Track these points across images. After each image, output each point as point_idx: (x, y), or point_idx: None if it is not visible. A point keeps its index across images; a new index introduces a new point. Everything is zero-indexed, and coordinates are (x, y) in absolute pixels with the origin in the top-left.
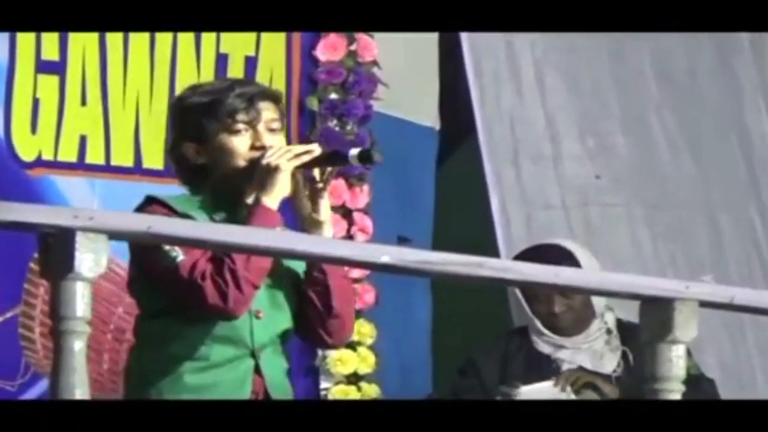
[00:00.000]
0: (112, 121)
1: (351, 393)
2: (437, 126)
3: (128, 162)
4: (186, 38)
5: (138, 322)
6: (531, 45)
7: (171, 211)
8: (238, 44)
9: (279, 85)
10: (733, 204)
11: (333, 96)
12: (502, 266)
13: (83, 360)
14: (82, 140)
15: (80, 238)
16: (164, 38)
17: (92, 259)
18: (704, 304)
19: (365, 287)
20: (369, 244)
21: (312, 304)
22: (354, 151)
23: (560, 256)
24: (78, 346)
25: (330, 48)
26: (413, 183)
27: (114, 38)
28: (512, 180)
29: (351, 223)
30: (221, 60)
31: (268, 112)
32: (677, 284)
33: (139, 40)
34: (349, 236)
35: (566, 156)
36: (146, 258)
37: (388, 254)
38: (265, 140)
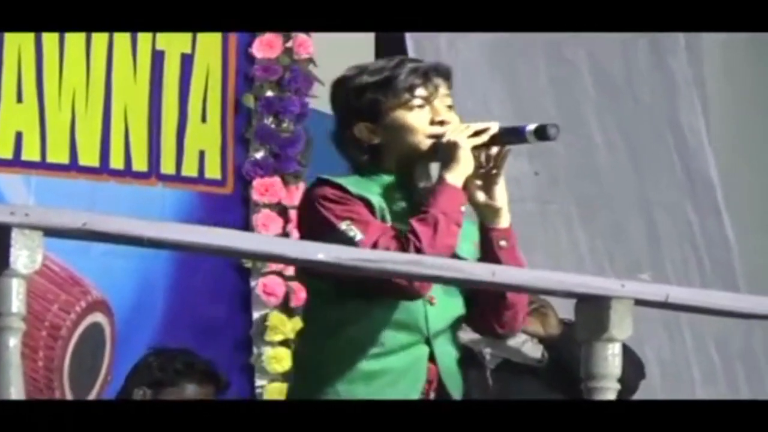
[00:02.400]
0: (48, 118)
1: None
2: None
3: (64, 159)
4: (122, 36)
5: (310, 310)
6: (470, 43)
7: (343, 191)
8: (174, 42)
9: (215, 82)
10: (671, 203)
11: (269, 93)
12: (439, 264)
13: (18, 357)
14: (18, 137)
15: (16, 234)
16: (100, 36)
17: (27, 255)
18: (639, 302)
19: (300, 285)
20: (305, 241)
21: (485, 294)
22: (531, 127)
23: None
24: (12, 342)
25: (266, 45)
26: None
27: (50, 36)
28: None
29: (287, 220)
30: (157, 57)
31: (443, 88)
32: (612, 282)
33: (75, 37)
34: (285, 233)
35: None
36: (321, 240)
37: (323, 252)
38: (444, 116)
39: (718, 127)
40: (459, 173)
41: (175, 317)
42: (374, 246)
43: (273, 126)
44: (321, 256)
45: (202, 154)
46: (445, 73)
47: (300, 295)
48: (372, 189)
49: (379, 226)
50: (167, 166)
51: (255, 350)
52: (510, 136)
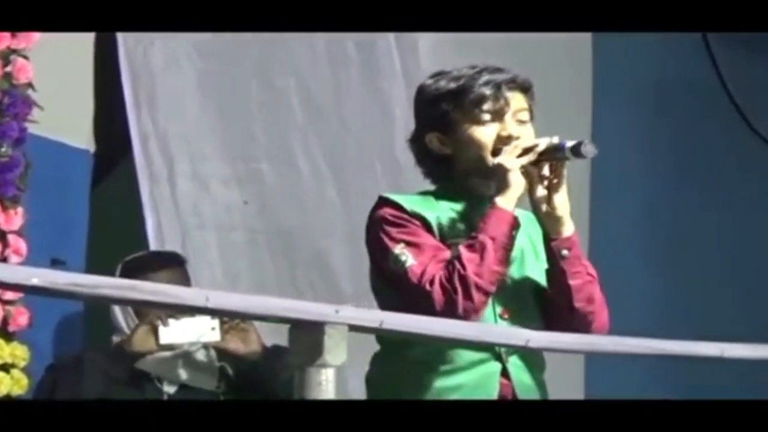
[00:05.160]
0: None
1: None
2: (92, 148)
3: None
4: None
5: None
6: (187, 68)
7: (401, 211)
8: None
9: None
10: None
11: None
12: (153, 289)
13: None
14: None
15: None
16: None
17: None
18: (354, 327)
19: (19, 310)
20: (20, 266)
21: (554, 304)
22: (569, 144)
23: (172, 260)
24: None
25: None
26: (68, 205)
27: None
28: (167, 198)
29: (5, 245)
30: None
31: (516, 101)
32: (327, 308)
33: None
34: (3, 258)
35: (218, 177)
36: (379, 263)
37: (38, 276)
38: (513, 131)
39: None
40: (510, 196)
41: None
42: (422, 273)
43: None
44: (35, 281)
45: None
46: (523, 86)
47: (18, 319)
48: (434, 205)
49: (431, 249)
50: None
51: None
52: (554, 152)
